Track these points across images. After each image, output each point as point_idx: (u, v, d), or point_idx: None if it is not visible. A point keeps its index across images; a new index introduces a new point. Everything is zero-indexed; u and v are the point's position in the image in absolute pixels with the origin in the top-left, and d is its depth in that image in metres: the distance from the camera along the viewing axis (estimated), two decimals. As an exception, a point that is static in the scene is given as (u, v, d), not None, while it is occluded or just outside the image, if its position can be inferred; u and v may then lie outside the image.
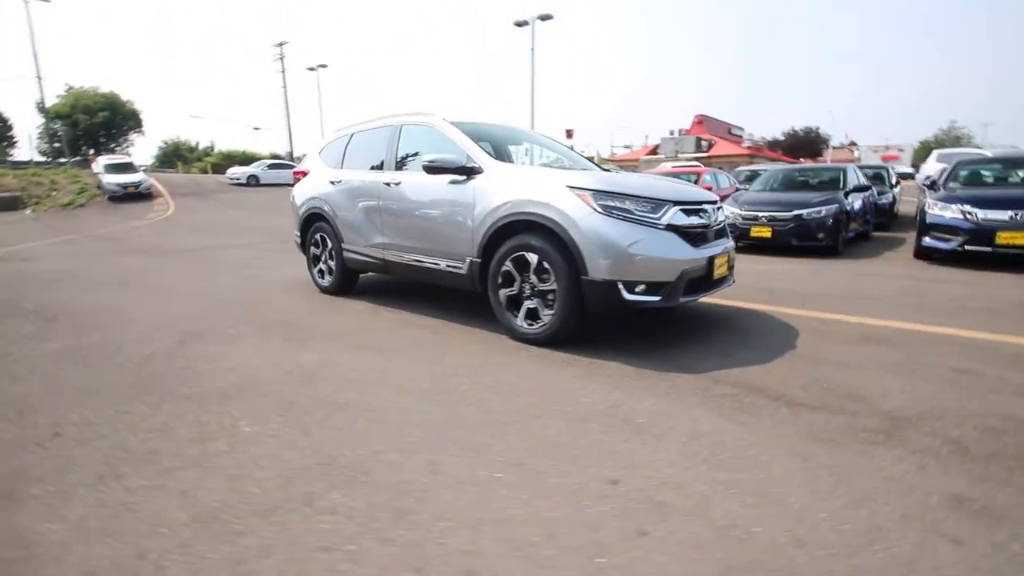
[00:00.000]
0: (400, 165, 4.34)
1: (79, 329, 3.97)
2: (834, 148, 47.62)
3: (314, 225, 5.21)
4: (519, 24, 19.58)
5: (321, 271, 5.25)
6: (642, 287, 3.07)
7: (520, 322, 3.47)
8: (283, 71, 39.09)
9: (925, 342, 3.45)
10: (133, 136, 41.86)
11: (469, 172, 3.69)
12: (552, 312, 3.28)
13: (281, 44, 38.29)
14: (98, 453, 2.09)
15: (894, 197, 10.81)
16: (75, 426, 2.33)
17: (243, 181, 26.96)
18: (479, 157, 3.71)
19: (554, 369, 3.00)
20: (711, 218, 3.46)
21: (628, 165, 34.99)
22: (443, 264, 3.92)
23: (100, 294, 5.30)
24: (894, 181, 11.35)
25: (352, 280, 5.12)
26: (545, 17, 18.88)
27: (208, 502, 1.75)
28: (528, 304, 3.41)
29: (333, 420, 2.37)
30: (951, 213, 6.23)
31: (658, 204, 3.17)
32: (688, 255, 3.17)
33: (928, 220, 6.47)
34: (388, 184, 4.27)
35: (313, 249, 5.30)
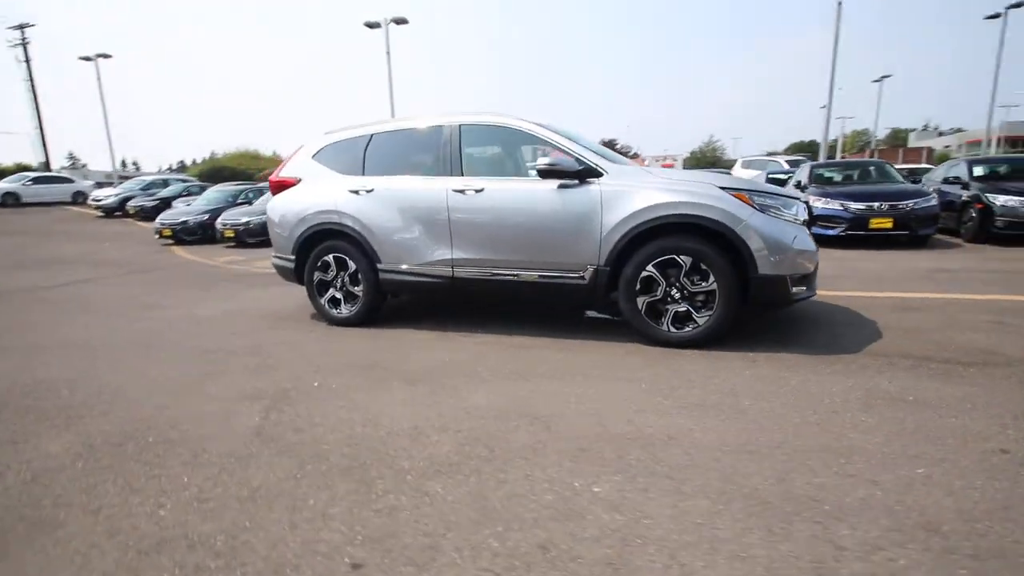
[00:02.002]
0: (468, 170, 3.84)
1: (54, 414, 2.64)
2: (631, 158, 55.20)
3: (323, 245, 4.27)
4: (370, 26, 18.55)
5: (334, 300, 4.33)
6: (797, 279, 3.27)
7: (666, 327, 3.37)
8: (27, 60, 30.66)
9: (942, 305, 4.27)
10: None
11: (585, 176, 3.46)
12: (710, 313, 3.27)
13: (22, 27, 29.96)
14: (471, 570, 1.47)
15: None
16: (366, 551, 1.58)
17: (-6, 200, 20.44)
18: (595, 159, 3.50)
19: (755, 368, 2.98)
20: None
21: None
22: (552, 275, 3.60)
23: (4, 362, 3.57)
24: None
25: (380, 307, 4.34)
26: (400, 21, 18.18)
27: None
28: (676, 308, 3.34)
29: (665, 456, 2.03)
30: (833, 206, 7.85)
31: (791, 201, 3.40)
32: (815, 247, 3.46)
33: (815, 212, 8.02)
34: (462, 191, 3.74)
35: (319, 275, 4.34)
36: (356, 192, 4.11)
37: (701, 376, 2.89)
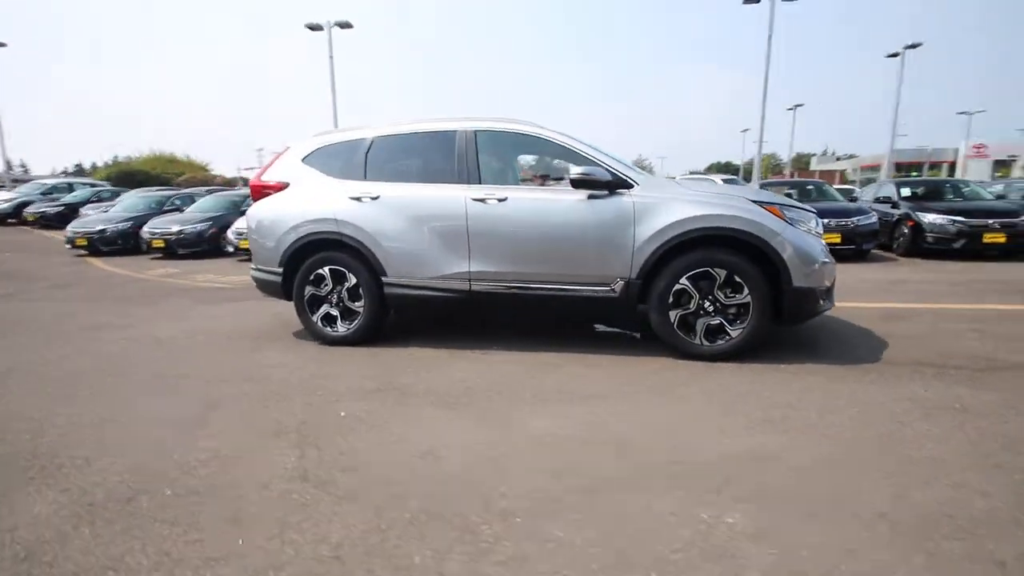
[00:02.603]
0: (485, 178, 3.64)
1: (23, 463, 2.15)
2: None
3: (317, 256, 3.88)
4: (312, 28, 17.72)
5: (329, 317, 3.94)
6: (823, 291, 3.35)
7: (698, 340, 3.33)
8: None
9: (920, 315, 4.59)
10: None
11: (615, 187, 3.38)
12: (743, 326, 3.27)
13: None
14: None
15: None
16: None
17: None
18: (625, 171, 3.42)
19: (797, 380, 2.98)
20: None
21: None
22: (580, 288, 3.46)
23: None
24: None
25: (381, 325, 4.00)
26: (344, 25, 17.52)
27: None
28: (709, 321, 3.31)
29: (772, 479, 1.93)
30: (787, 221, 8.33)
31: (810, 215, 3.50)
32: (834, 261, 3.56)
33: (770, 227, 8.49)
34: (483, 200, 3.53)
35: (310, 289, 3.93)
36: (358, 199, 3.77)
37: (750, 390, 2.86)
